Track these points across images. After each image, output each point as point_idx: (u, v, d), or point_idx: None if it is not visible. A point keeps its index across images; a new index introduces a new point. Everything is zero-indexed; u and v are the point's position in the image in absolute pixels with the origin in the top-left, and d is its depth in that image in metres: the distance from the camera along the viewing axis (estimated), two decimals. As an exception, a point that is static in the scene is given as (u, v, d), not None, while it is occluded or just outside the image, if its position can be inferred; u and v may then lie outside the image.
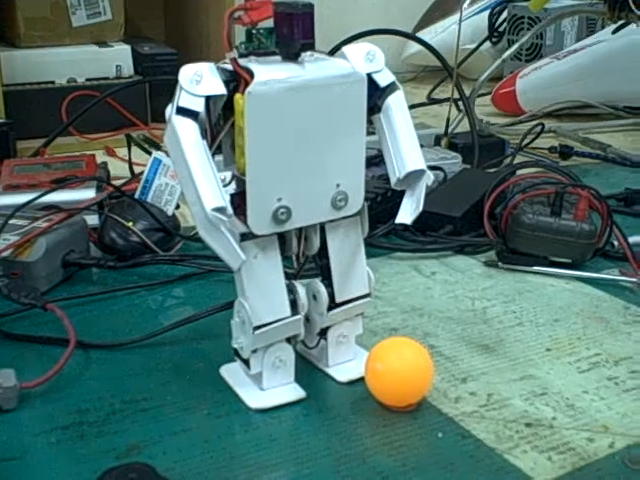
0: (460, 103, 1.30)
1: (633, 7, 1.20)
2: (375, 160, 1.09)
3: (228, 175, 0.58)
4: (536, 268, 0.83)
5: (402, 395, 0.58)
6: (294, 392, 0.60)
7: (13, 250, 0.75)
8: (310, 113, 0.55)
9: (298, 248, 0.59)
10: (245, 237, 0.56)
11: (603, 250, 0.86)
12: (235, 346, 0.59)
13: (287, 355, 0.60)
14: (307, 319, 0.61)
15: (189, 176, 0.52)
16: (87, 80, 1.34)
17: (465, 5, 1.81)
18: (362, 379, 0.60)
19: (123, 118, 1.31)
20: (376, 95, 0.59)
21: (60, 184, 0.89)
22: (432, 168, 1.06)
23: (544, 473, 0.52)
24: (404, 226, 0.60)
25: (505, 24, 1.81)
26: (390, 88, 0.59)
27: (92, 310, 0.74)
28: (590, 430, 0.57)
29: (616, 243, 0.86)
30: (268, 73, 0.53)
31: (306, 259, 0.61)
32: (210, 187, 0.51)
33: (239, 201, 0.55)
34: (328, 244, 0.60)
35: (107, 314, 0.74)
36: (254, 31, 0.55)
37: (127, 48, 1.39)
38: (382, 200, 0.92)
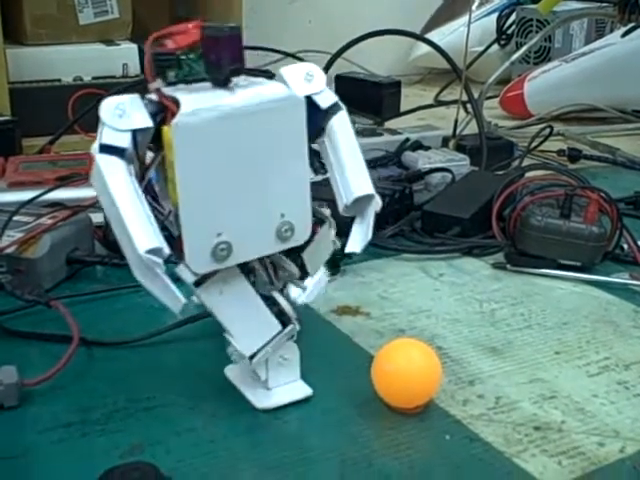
0: (468, 105, 1.29)
1: (644, 10, 1.19)
2: (383, 161, 1.09)
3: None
4: (545, 271, 0.82)
5: (410, 396, 0.57)
6: (300, 390, 0.59)
7: (17, 247, 0.75)
8: (244, 141, 0.51)
9: (259, 265, 0.56)
10: (201, 280, 0.53)
11: (613, 253, 0.85)
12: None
13: (291, 353, 0.59)
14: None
15: (119, 218, 0.48)
16: (93, 78, 1.34)
17: (473, 7, 1.80)
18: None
19: (129, 117, 1.31)
20: (319, 117, 0.55)
21: (65, 181, 0.88)
22: (440, 170, 1.06)
23: (554, 477, 0.51)
24: (353, 254, 0.58)
25: (513, 27, 1.80)
26: (332, 109, 0.55)
27: (96, 308, 0.74)
28: (600, 434, 0.56)
29: (626, 246, 0.85)
30: (195, 102, 0.50)
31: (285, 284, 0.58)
32: (142, 227, 0.48)
33: (181, 245, 0.52)
34: (304, 261, 0.57)
35: (111, 312, 0.73)
36: (183, 57, 0.53)
37: (134, 47, 1.38)
38: (390, 201, 0.91)
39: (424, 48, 1.68)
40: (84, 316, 0.69)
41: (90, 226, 0.82)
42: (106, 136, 0.49)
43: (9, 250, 0.74)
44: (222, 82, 0.51)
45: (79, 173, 0.92)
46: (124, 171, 0.49)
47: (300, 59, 1.53)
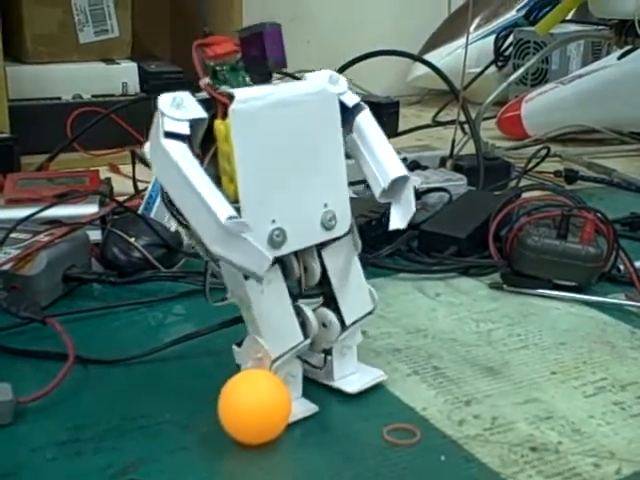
0: (466, 126, 1.29)
1: (640, 32, 1.20)
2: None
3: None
4: (541, 291, 0.82)
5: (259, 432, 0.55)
6: (306, 407, 0.59)
7: (14, 264, 0.75)
8: (290, 130, 0.55)
9: (299, 270, 0.58)
10: (247, 275, 0.54)
11: (609, 274, 0.85)
12: None
13: (297, 369, 0.59)
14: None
15: (193, 193, 0.50)
16: (93, 96, 1.35)
17: (471, 29, 1.81)
18: (368, 389, 0.60)
19: (128, 135, 1.31)
20: (345, 116, 0.59)
21: (63, 199, 0.88)
22: (437, 190, 1.06)
23: (549, 499, 0.51)
24: (399, 231, 0.62)
25: (511, 48, 1.81)
26: (357, 108, 0.60)
27: (92, 325, 0.74)
28: (596, 456, 0.56)
29: (622, 267, 0.85)
30: (247, 93, 0.54)
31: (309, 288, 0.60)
32: (218, 199, 0.50)
33: None
34: (328, 270, 0.59)
35: (107, 330, 0.73)
36: (218, 68, 0.56)
37: (134, 65, 1.39)
38: (387, 220, 0.91)
39: (422, 69, 1.68)
40: (80, 334, 0.69)
41: (87, 243, 0.82)
42: (168, 125, 0.52)
43: (5, 267, 0.74)
44: (265, 77, 0.56)
45: (77, 190, 0.93)
46: (191, 153, 0.52)
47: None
